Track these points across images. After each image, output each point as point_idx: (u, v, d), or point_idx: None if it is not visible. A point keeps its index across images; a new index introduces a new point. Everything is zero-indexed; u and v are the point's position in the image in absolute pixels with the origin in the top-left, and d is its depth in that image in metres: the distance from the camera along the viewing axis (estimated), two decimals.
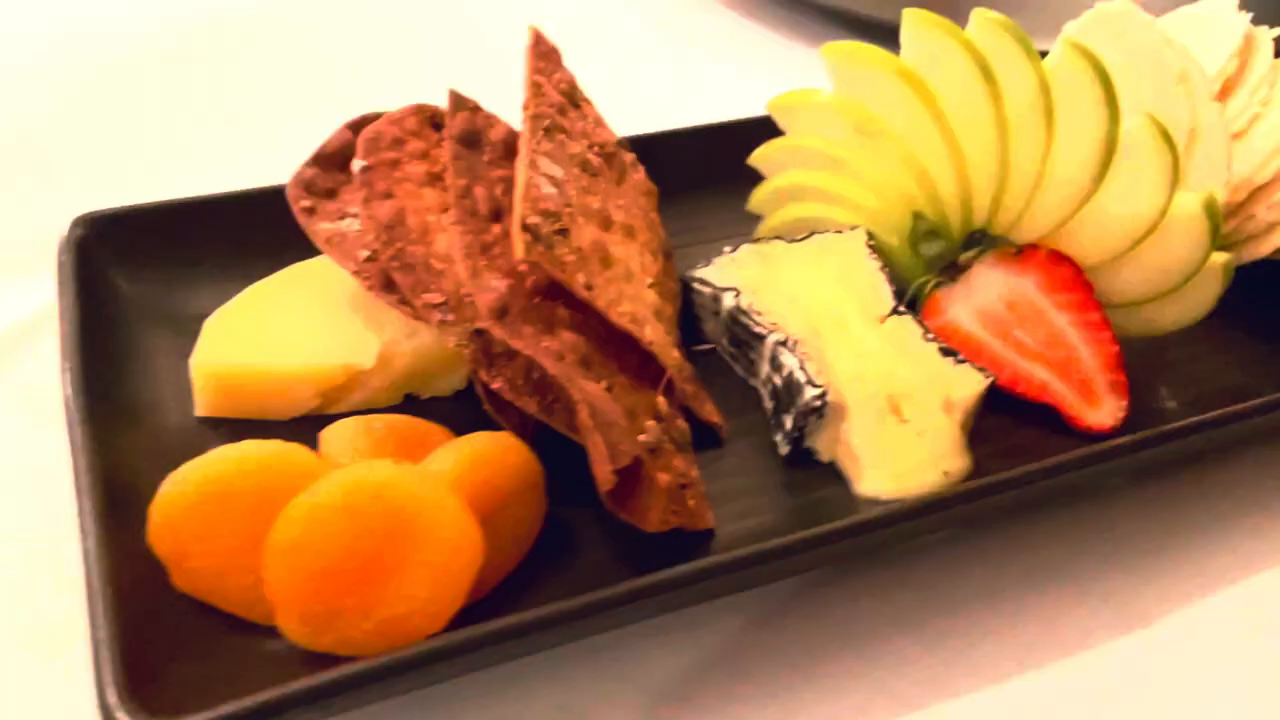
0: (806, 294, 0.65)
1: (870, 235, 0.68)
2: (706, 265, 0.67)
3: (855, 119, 0.67)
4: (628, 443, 0.51)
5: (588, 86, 1.02)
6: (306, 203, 0.61)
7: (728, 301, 0.64)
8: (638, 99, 0.99)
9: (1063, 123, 0.62)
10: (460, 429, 0.56)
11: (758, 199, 0.73)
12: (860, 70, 0.66)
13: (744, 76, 1.04)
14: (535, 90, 0.64)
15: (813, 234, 0.68)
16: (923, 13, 0.63)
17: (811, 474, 0.60)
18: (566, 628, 0.48)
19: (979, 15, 0.62)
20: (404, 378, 0.61)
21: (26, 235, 0.71)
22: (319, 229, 0.61)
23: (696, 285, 0.66)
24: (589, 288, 0.57)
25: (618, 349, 0.58)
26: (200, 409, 0.60)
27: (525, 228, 0.54)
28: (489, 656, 0.48)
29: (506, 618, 0.47)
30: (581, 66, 1.05)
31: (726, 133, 0.78)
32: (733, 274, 0.66)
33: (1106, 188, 0.63)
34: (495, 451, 0.53)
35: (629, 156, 0.70)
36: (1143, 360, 0.68)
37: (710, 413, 0.62)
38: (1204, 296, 0.64)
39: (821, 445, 0.60)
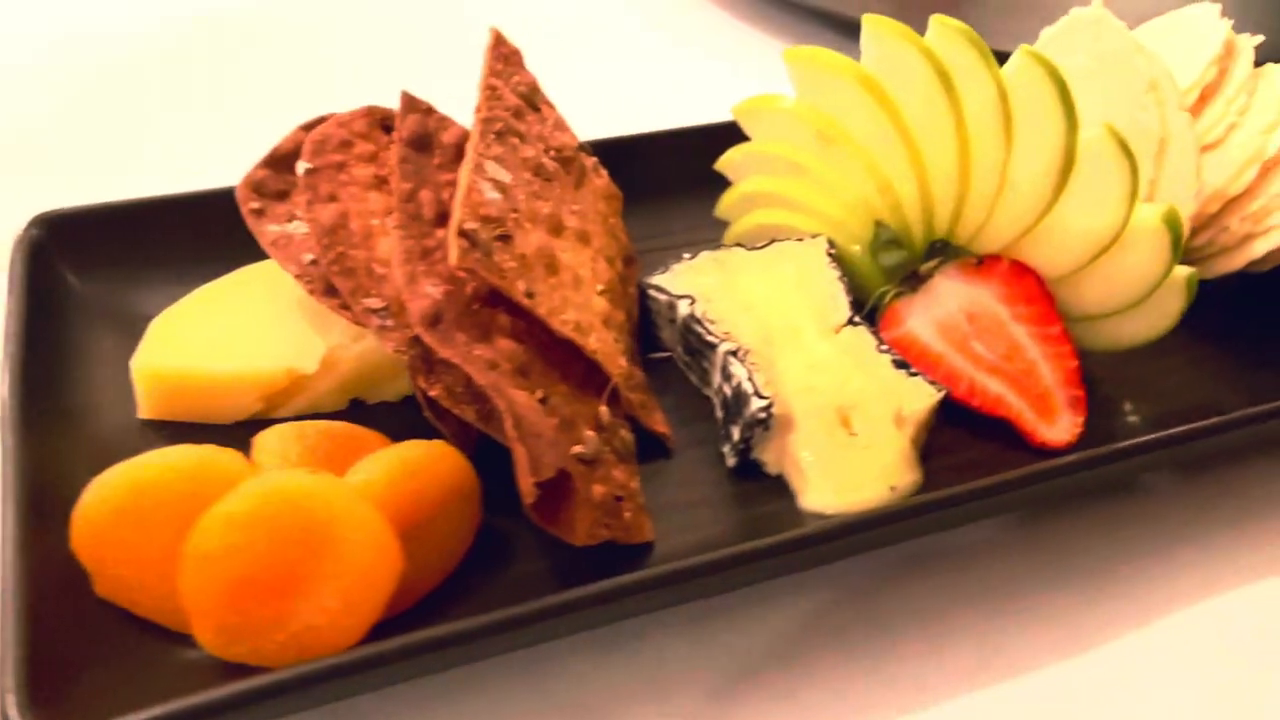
0: (762, 302, 0.64)
1: (831, 244, 0.67)
2: (664, 272, 0.66)
3: (816, 125, 0.66)
4: (553, 455, 0.50)
5: (579, 85, 1.03)
6: (255, 204, 0.61)
7: (682, 309, 0.63)
8: (630, 98, 0.99)
9: (1021, 132, 0.61)
10: (406, 435, 0.55)
11: (725, 205, 0.73)
12: (821, 76, 0.65)
13: (737, 75, 1.03)
14: (490, 93, 0.63)
15: (773, 241, 0.67)
16: (881, 19, 0.62)
17: (760, 486, 0.59)
18: (480, 643, 0.48)
19: (937, 22, 0.61)
20: (349, 383, 0.60)
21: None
22: (265, 231, 0.60)
23: (652, 292, 0.65)
24: (530, 295, 0.56)
25: (562, 357, 0.58)
26: (143, 411, 0.59)
27: (462, 233, 0.54)
28: (402, 671, 0.48)
29: (417, 632, 0.46)
30: (573, 66, 1.05)
31: (700, 136, 0.77)
32: (690, 281, 0.65)
33: (1067, 199, 0.61)
34: (425, 460, 0.52)
35: (590, 161, 0.69)
36: (1109, 375, 0.67)
37: (658, 423, 0.61)
38: (1167, 311, 0.62)
39: (769, 457, 0.59)
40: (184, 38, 1.08)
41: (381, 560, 0.48)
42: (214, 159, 0.85)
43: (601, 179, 0.69)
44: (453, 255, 0.53)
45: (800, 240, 0.67)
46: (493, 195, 0.57)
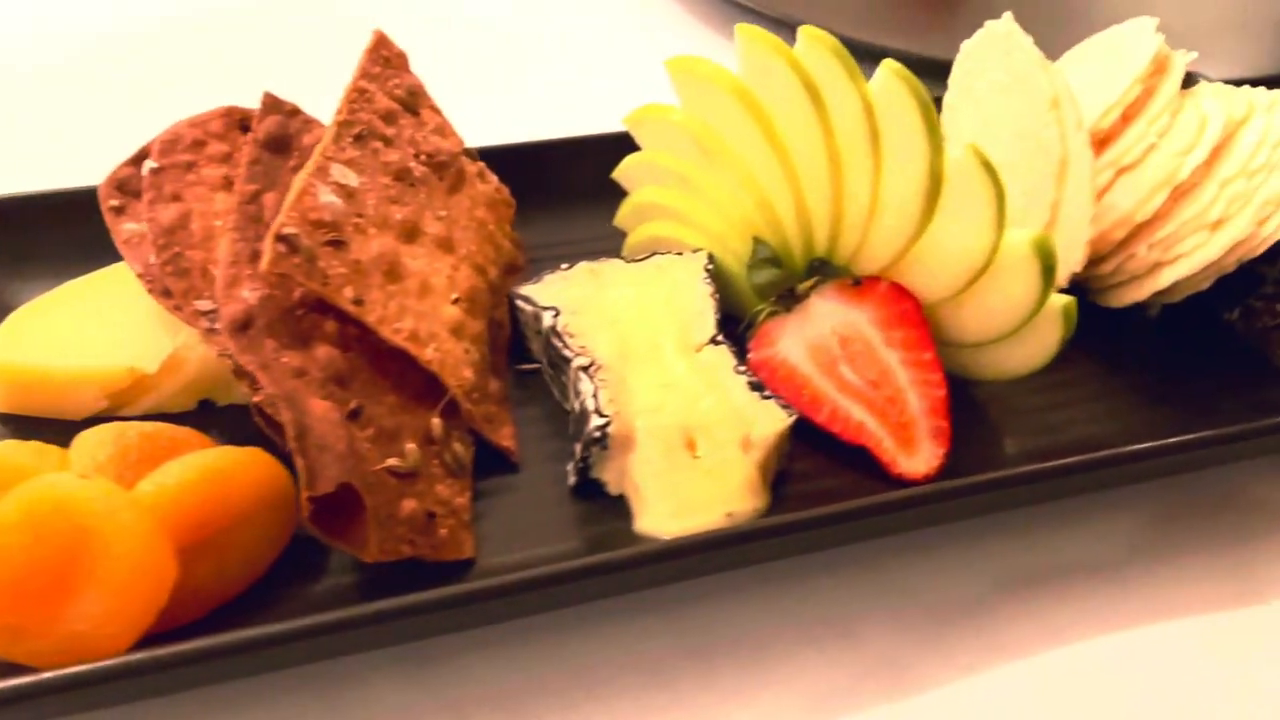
0: (628, 317, 0.62)
1: (711, 259, 0.65)
2: (536, 281, 0.64)
3: (698, 137, 0.64)
4: (337, 468, 0.49)
5: (539, 85, 1.01)
6: (116, 202, 0.61)
7: (546, 321, 0.62)
8: (591, 100, 0.97)
9: (888, 150, 0.58)
10: (252, 439, 0.54)
11: (621, 215, 0.71)
12: (700, 86, 0.63)
13: None
14: (357, 96, 0.62)
15: (653, 254, 0.65)
16: (753, 28, 0.60)
17: (601, 507, 0.58)
18: (245, 657, 0.47)
19: (805, 33, 0.59)
20: (196, 384, 0.60)
21: None
22: (121, 229, 0.60)
23: (519, 302, 0.64)
24: (359, 302, 0.55)
25: (398, 367, 0.57)
26: None
27: (280, 238, 0.53)
28: (163, 680, 0.47)
29: (168, 645, 0.46)
30: (534, 65, 1.05)
31: (610, 144, 0.75)
32: (559, 292, 0.63)
33: (939, 220, 0.58)
34: (230, 467, 0.52)
35: (475, 166, 0.67)
36: (1000, 406, 0.65)
37: (504, 437, 0.60)
38: (1046, 341, 0.59)
39: (610, 477, 0.58)
40: (112, 37, 1.07)
41: (149, 569, 0.47)
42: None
43: (487, 185, 0.68)
44: (265, 260, 0.52)
45: (680, 254, 0.65)
46: (330, 200, 0.56)
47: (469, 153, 0.68)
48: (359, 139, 0.60)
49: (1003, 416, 0.64)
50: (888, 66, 0.56)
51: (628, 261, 0.65)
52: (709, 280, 0.64)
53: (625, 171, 0.69)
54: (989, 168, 0.56)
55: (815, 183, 0.61)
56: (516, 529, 0.57)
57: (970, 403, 0.65)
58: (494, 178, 0.69)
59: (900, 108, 0.57)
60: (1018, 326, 0.59)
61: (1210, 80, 0.82)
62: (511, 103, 0.99)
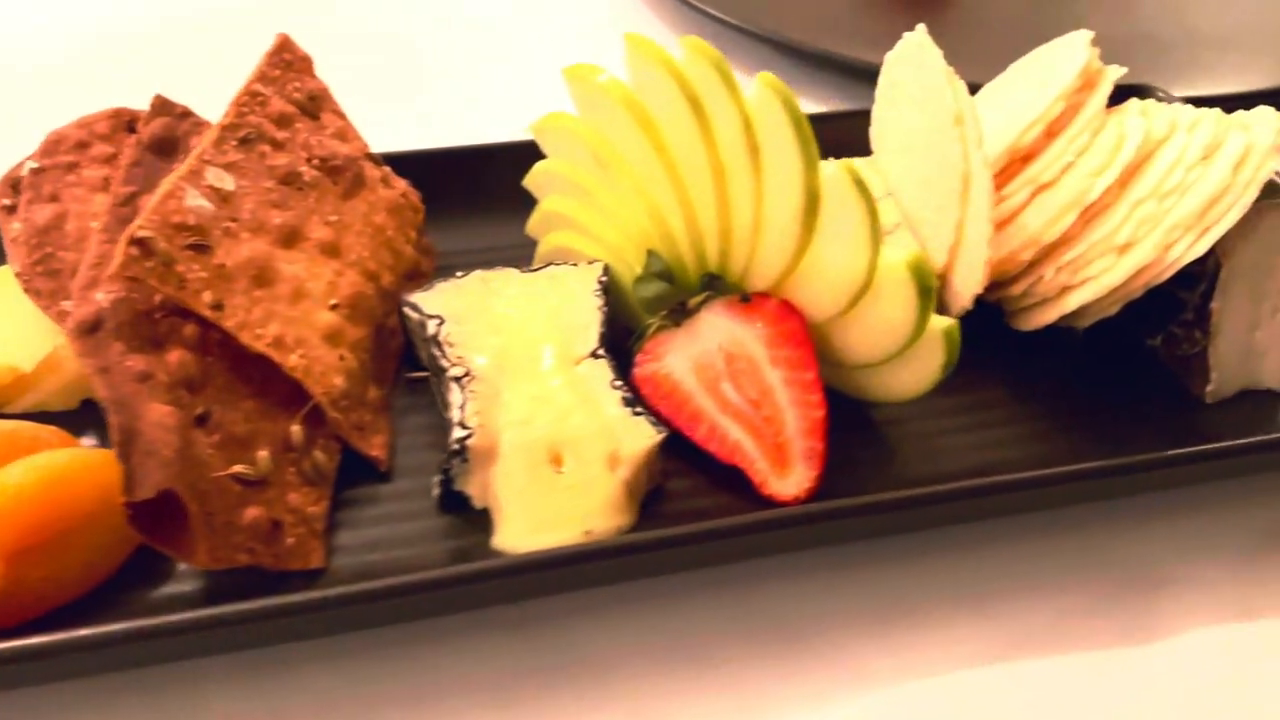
0: (512, 328, 0.61)
1: (607, 271, 0.64)
2: (428, 289, 0.64)
3: (594, 147, 0.63)
4: (162, 475, 0.48)
5: (513, 91, 1.01)
6: (8, 200, 0.61)
7: (429, 329, 0.61)
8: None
9: (767, 165, 0.57)
10: None
11: (531, 223, 0.70)
12: (594, 95, 0.62)
13: None
14: (250, 99, 0.62)
15: (549, 265, 0.65)
16: (641, 37, 0.59)
17: (465, 520, 0.57)
18: (71, 657, 0.47)
19: (686, 43, 0.57)
20: (76, 383, 0.60)
21: None
22: (10, 228, 0.61)
23: (407, 310, 0.63)
24: (218, 307, 0.55)
25: (264, 373, 0.56)
26: None
27: (134, 241, 0.53)
28: None
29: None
30: (506, 71, 1.04)
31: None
32: (449, 301, 0.63)
33: (820, 238, 0.57)
34: (77, 469, 0.52)
35: (378, 171, 0.67)
36: (900, 430, 0.63)
37: (374, 446, 0.59)
38: (930, 364, 0.58)
39: (475, 490, 0.57)
40: (112, 37, 1.08)
41: None
42: None
43: (391, 190, 0.67)
44: (115, 263, 0.52)
45: (576, 266, 0.64)
46: (197, 203, 0.56)
47: (373, 157, 0.68)
48: (245, 142, 0.60)
49: (900, 440, 0.63)
50: (763, 80, 0.55)
51: (523, 271, 0.64)
52: (600, 293, 0.63)
53: (534, 180, 0.69)
54: (860, 185, 0.54)
55: (703, 197, 0.60)
56: (374, 540, 0.56)
57: (869, 425, 0.63)
58: (401, 183, 0.69)
59: (775, 122, 0.55)
60: (902, 348, 0.57)
61: (1170, 96, 0.80)
62: (511, 102, 0.99)
